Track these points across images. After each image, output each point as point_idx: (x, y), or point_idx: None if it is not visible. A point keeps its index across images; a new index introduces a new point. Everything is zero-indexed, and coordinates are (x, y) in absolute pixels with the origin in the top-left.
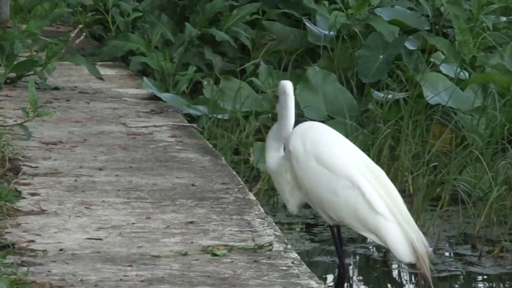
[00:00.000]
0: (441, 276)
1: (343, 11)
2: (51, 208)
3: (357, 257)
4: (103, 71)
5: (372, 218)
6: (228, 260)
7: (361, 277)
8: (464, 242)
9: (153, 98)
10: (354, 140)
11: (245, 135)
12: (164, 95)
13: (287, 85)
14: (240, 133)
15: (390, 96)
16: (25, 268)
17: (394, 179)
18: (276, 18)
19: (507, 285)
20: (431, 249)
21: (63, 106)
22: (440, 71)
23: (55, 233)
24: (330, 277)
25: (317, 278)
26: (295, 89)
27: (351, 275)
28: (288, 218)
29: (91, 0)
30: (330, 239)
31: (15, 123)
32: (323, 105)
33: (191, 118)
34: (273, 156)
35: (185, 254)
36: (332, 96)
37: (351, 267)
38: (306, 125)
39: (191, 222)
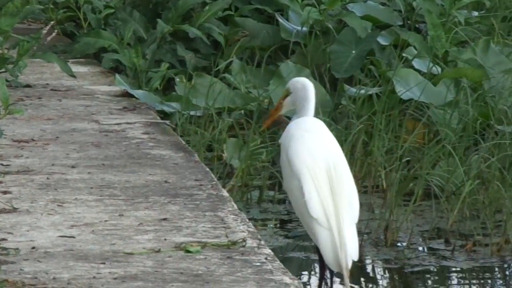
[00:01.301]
0: (414, 270)
1: (315, 6)
2: (23, 206)
3: None
4: (75, 68)
5: (309, 221)
6: (202, 256)
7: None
8: (438, 236)
9: (126, 95)
10: None
11: (218, 132)
12: (137, 92)
13: (306, 81)
14: (213, 130)
15: (363, 91)
16: None
17: (367, 174)
18: (249, 14)
19: (480, 279)
20: (353, 261)
21: (35, 103)
22: (412, 66)
23: (28, 231)
24: (304, 273)
25: (290, 274)
26: (268, 84)
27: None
28: (261, 214)
29: None
30: (304, 235)
31: None
32: None
33: (164, 115)
34: None
35: (158, 251)
36: None
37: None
38: (298, 120)
39: (164, 219)
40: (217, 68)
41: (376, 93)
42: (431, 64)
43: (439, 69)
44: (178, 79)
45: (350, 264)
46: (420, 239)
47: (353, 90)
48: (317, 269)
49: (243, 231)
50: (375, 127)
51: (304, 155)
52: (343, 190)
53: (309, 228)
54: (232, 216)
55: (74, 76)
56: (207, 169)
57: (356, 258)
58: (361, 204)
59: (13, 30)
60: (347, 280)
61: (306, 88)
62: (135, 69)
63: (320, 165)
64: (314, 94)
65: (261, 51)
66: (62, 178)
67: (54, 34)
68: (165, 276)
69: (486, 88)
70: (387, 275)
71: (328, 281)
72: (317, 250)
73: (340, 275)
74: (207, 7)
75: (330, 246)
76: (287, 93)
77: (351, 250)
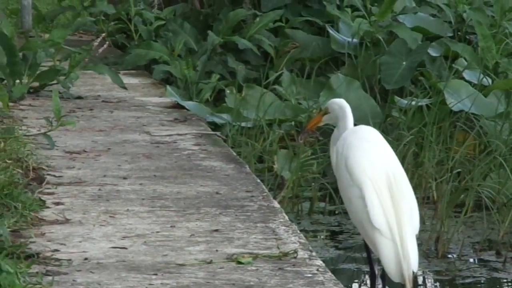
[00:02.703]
0: (465, 282)
1: (366, 18)
2: (75, 217)
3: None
4: (126, 80)
5: (371, 231)
6: (253, 268)
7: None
8: (489, 248)
9: (177, 106)
10: None
11: (268, 143)
12: (188, 104)
13: (343, 101)
14: (263, 141)
15: (413, 103)
16: (50, 278)
17: (418, 186)
18: (299, 26)
19: None
20: (414, 272)
21: (87, 115)
22: (463, 78)
23: (80, 242)
24: (355, 285)
25: (342, 286)
26: (318, 96)
27: (380, 283)
28: (312, 225)
29: (114, 8)
30: (355, 246)
31: (38, 132)
32: None
33: (214, 126)
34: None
35: (210, 262)
36: (356, 103)
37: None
38: (355, 128)
39: (216, 230)
40: (268, 80)
41: (427, 105)
42: (482, 76)
43: (490, 81)
44: (228, 91)
45: (412, 275)
46: (471, 251)
47: (404, 101)
48: (368, 281)
49: (294, 243)
50: (425, 138)
51: (364, 164)
52: (404, 200)
53: (370, 238)
54: (283, 227)
55: (125, 88)
56: (258, 180)
57: (416, 269)
58: None
59: (65, 42)
60: None
61: (343, 108)
62: (185, 81)
63: (380, 175)
64: (350, 112)
65: (311, 63)
66: (114, 189)
67: (105, 46)
68: (217, 287)
69: None
70: (438, 286)
71: None
72: (368, 261)
73: (392, 285)
74: (257, 19)
75: (393, 256)
76: (326, 112)
77: (413, 261)
